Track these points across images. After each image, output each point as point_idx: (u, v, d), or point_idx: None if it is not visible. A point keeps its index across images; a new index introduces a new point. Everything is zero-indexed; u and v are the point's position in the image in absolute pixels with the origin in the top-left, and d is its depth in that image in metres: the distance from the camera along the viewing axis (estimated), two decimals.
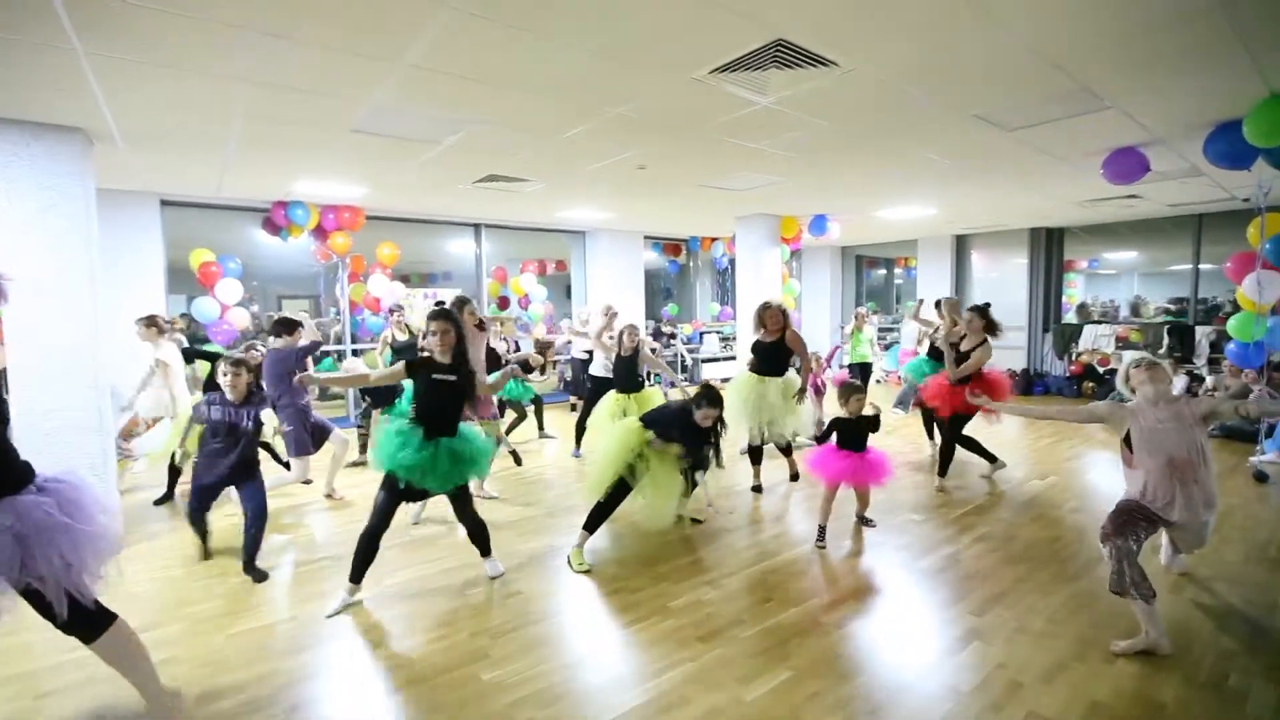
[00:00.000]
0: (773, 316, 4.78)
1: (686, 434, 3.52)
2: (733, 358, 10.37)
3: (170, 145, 4.41)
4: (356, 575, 3.03)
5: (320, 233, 7.03)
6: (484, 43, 2.85)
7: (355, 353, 7.67)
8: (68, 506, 1.87)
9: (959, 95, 3.65)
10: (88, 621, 1.95)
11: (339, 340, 7.67)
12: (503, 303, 8.96)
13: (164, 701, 2.14)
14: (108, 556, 1.96)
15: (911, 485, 4.98)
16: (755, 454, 4.95)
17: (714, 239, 10.51)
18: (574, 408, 7.68)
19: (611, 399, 5.22)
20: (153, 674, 2.12)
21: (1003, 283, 10.19)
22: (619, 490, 3.49)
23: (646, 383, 5.47)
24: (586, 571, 3.42)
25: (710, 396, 3.50)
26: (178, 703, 2.20)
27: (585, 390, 6.05)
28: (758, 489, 4.87)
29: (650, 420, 3.62)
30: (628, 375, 5.24)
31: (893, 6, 2.58)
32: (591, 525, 3.51)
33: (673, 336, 10.83)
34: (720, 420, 3.61)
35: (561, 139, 4.40)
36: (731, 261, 10.14)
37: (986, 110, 3.92)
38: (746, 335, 7.15)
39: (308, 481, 4.76)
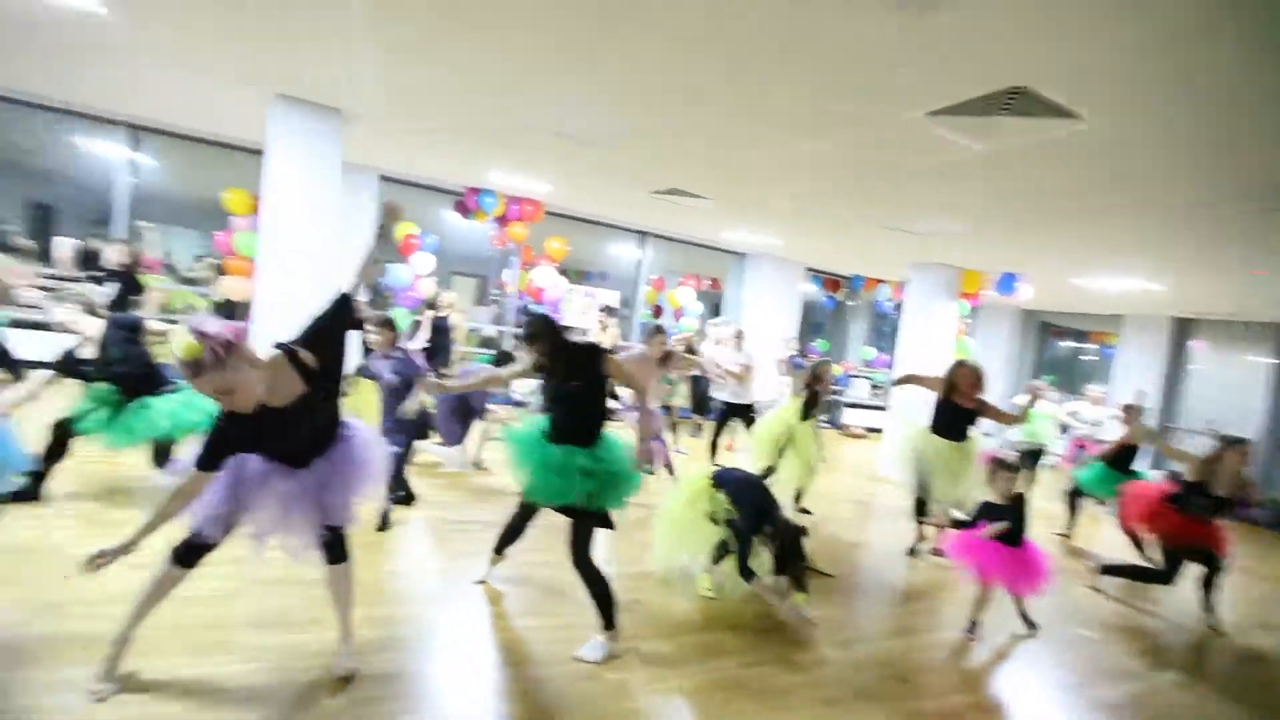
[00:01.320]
0: (968, 379, 4.26)
1: (762, 514, 3.08)
2: (881, 408, 9.74)
3: (397, 127, 4.96)
4: (500, 546, 3.12)
5: (502, 220, 7.60)
6: (705, 70, 2.90)
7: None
8: (366, 447, 2.25)
9: (1228, 167, 3.12)
10: (343, 545, 2.27)
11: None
12: (656, 311, 9.14)
13: (354, 638, 2.38)
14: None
15: (1085, 590, 4.32)
16: (920, 508, 4.51)
17: (880, 281, 9.97)
18: (699, 428, 7.61)
19: (779, 423, 4.91)
20: (353, 611, 2.37)
21: (1230, 383, 8.61)
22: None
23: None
24: (712, 598, 3.33)
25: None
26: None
27: (713, 413, 5.96)
28: (914, 552, 4.49)
29: (724, 481, 3.31)
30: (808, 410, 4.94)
31: (1182, 66, 2.26)
32: (717, 559, 3.38)
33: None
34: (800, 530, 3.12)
35: (752, 163, 4.38)
36: (897, 307, 9.55)
37: (1255, 187, 3.32)
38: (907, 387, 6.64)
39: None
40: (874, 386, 10.83)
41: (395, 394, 3.78)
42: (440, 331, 6.19)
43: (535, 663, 2.58)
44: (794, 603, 3.06)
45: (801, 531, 3.10)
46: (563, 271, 9.35)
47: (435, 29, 2.99)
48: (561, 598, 3.07)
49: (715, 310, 10.58)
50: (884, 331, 11.89)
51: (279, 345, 2.02)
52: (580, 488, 2.59)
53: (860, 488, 6.64)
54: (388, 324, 4.01)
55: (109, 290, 4.81)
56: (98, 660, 2.11)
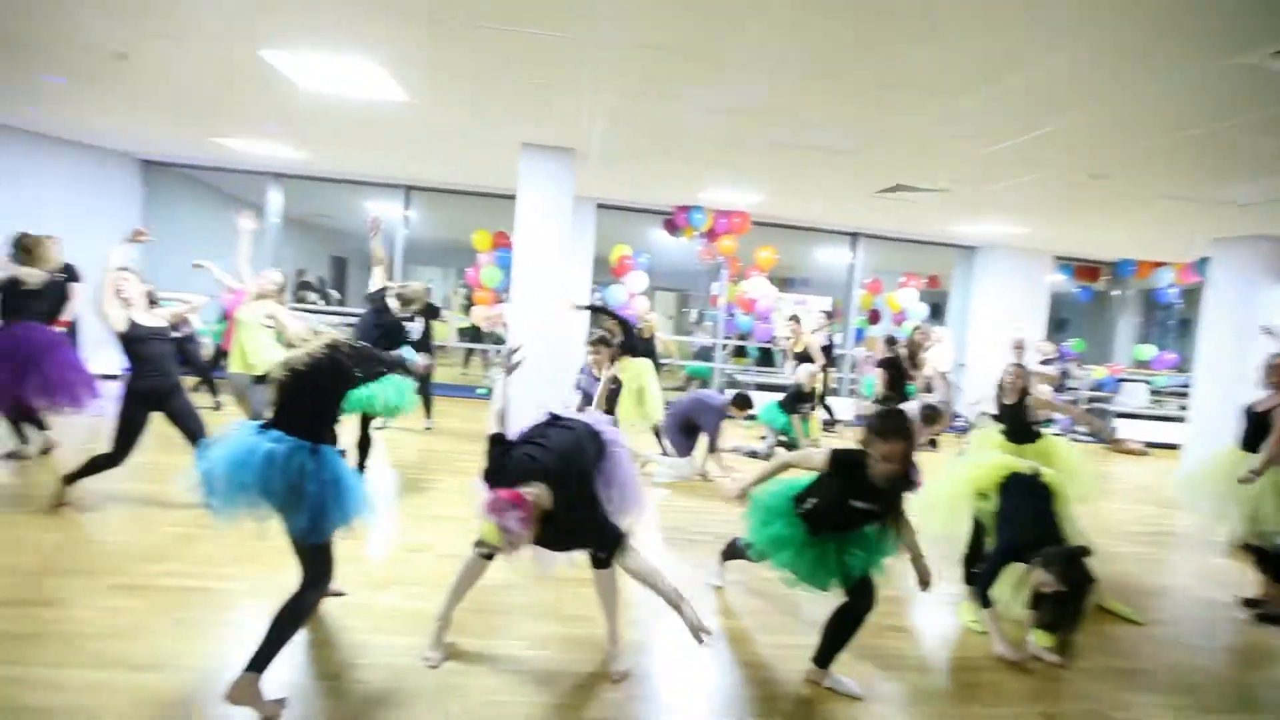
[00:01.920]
0: None
1: (1032, 539, 2.62)
2: (1173, 418, 8.01)
3: (620, 158, 5.32)
4: (725, 557, 3.15)
5: (710, 235, 7.74)
6: (962, 61, 2.65)
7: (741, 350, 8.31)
8: (629, 463, 2.50)
9: None
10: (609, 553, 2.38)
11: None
12: (873, 317, 8.59)
13: (622, 639, 2.51)
14: None
15: None
16: (1261, 558, 3.56)
17: (1159, 264, 8.24)
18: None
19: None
20: (618, 615, 2.52)
21: None
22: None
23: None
24: (981, 632, 2.98)
25: (891, 424, 2.26)
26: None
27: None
28: (1253, 604, 3.56)
29: (1012, 486, 2.89)
30: (1015, 423, 4.30)
31: None
32: (982, 593, 2.99)
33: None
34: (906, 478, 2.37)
35: (1000, 147, 3.90)
36: (1184, 294, 7.82)
37: None
38: (1215, 393, 5.40)
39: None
40: (1154, 393, 8.94)
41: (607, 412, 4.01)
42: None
43: (779, 681, 2.52)
44: (1033, 642, 2.68)
45: (1087, 581, 2.55)
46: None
47: (670, 70, 3.15)
48: (795, 615, 2.97)
49: (935, 311, 9.62)
50: (1166, 325, 9.79)
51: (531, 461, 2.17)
52: (838, 575, 2.44)
53: (1147, 517, 5.49)
54: (602, 341, 4.23)
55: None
56: (425, 633, 2.53)
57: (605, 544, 2.25)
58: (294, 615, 2.09)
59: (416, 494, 4.24)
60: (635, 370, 5.17)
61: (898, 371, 5.16)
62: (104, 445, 3.54)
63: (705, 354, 9.89)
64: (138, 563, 3.05)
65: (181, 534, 3.42)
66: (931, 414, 3.95)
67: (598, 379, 4.11)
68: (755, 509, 2.59)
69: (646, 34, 2.82)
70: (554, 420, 2.51)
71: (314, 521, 2.07)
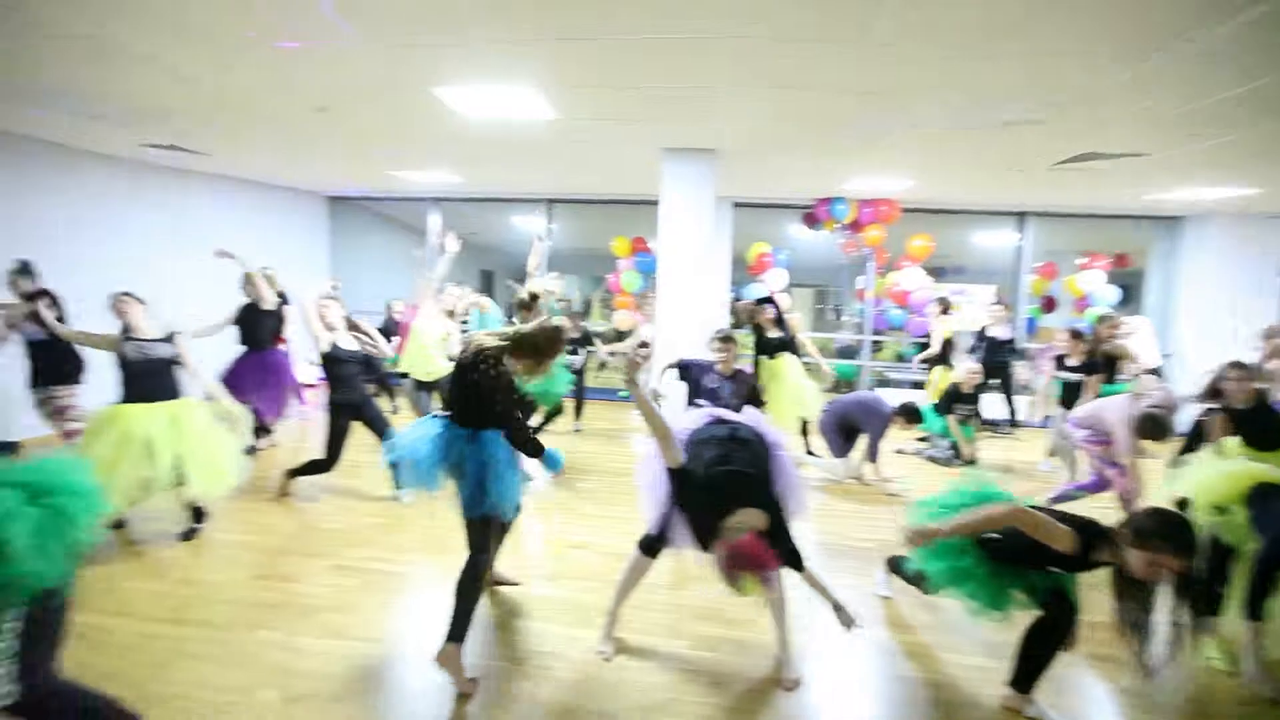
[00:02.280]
0: None
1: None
2: None
3: (761, 155, 5.21)
4: (891, 570, 2.96)
5: (854, 226, 7.36)
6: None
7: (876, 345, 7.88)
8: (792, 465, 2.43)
9: None
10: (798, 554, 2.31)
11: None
12: (1048, 304, 7.68)
13: (792, 646, 2.47)
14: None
15: None
16: None
17: None
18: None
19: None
20: (789, 619, 2.46)
21: None
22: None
23: None
24: (1228, 672, 2.55)
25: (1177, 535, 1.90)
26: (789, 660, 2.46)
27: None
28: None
29: (1259, 499, 2.45)
30: (1257, 428, 3.40)
31: None
32: (1253, 605, 2.42)
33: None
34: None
35: (1214, 100, 3.32)
36: None
37: None
38: None
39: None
40: None
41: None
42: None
43: (966, 703, 2.31)
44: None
45: None
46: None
47: (818, 58, 3.03)
48: (969, 634, 2.70)
49: (1127, 295, 8.38)
50: None
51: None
52: (1028, 595, 2.23)
53: None
54: (729, 340, 4.09)
55: None
56: (594, 625, 2.64)
57: (789, 553, 2.21)
58: (465, 585, 2.33)
59: (571, 493, 4.45)
60: (772, 370, 5.05)
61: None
62: (313, 445, 4.10)
63: (848, 352, 9.43)
64: (348, 547, 3.48)
65: (378, 523, 3.86)
66: (1153, 426, 3.40)
67: (728, 378, 4.04)
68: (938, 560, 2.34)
69: (789, 24, 2.74)
70: (719, 423, 2.50)
71: (472, 497, 2.37)
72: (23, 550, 1.46)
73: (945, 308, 6.45)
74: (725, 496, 2.12)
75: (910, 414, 4.77)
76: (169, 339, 3.44)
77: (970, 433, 5.37)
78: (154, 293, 5.74)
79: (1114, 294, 7.24)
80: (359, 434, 4.12)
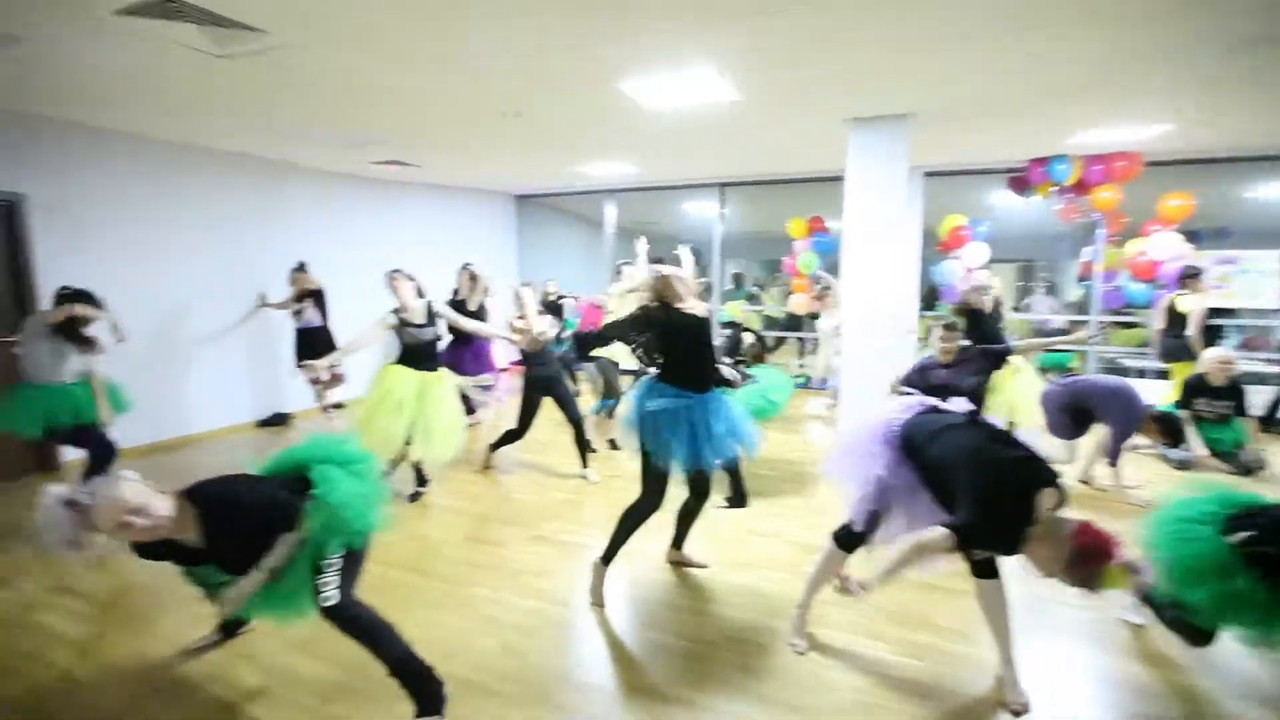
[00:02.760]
0: None
1: None
2: None
3: (967, 117, 4.64)
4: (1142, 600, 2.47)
5: (1078, 188, 6.29)
6: None
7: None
8: None
9: None
10: (991, 561, 2.09)
11: None
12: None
13: (1016, 666, 2.13)
14: None
15: None
16: None
17: None
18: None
19: None
20: (1009, 633, 2.13)
21: None
22: None
23: None
24: None
25: None
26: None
27: None
28: None
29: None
30: None
31: None
32: None
33: None
34: None
35: None
36: None
37: None
38: None
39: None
40: None
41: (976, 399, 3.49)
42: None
43: None
44: None
45: None
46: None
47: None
48: (1242, 677, 2.16)
49: None
50: None
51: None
52: None
53: None
54: (951, 327, 3.76)
55: None
56: (784, 615, 2.56)
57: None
58: (625, 519, 2.72)
59: (757, 481, 4.37)
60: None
61: None
62: (511, 423, 4.49)
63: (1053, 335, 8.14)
64: (543, 520, 3.77)
65: (566, 499, 4.12)
66: None
67: (951, 366, 3.67)
68: (1177, 559, 1.93)
69: None
70: (935, 411, 2.28)
71: (673, 451, 2.57)
72: (351, 511, 1.98)
73: (1190, 278, 5.32)
74: (1022, 482, 1.84)
75: (1169, 428, 3.94)
76: (432, 321, 3.93)
77: (1231, 435, 4.35)
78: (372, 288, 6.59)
79: None
80: (548, 412, 4.43)
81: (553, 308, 6.98)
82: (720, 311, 8.55)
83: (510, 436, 4.50)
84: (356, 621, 1.99)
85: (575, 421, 4.40)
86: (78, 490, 1.72)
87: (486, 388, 5.62)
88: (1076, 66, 3.55)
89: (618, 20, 2.95)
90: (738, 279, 11.75)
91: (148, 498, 1.77)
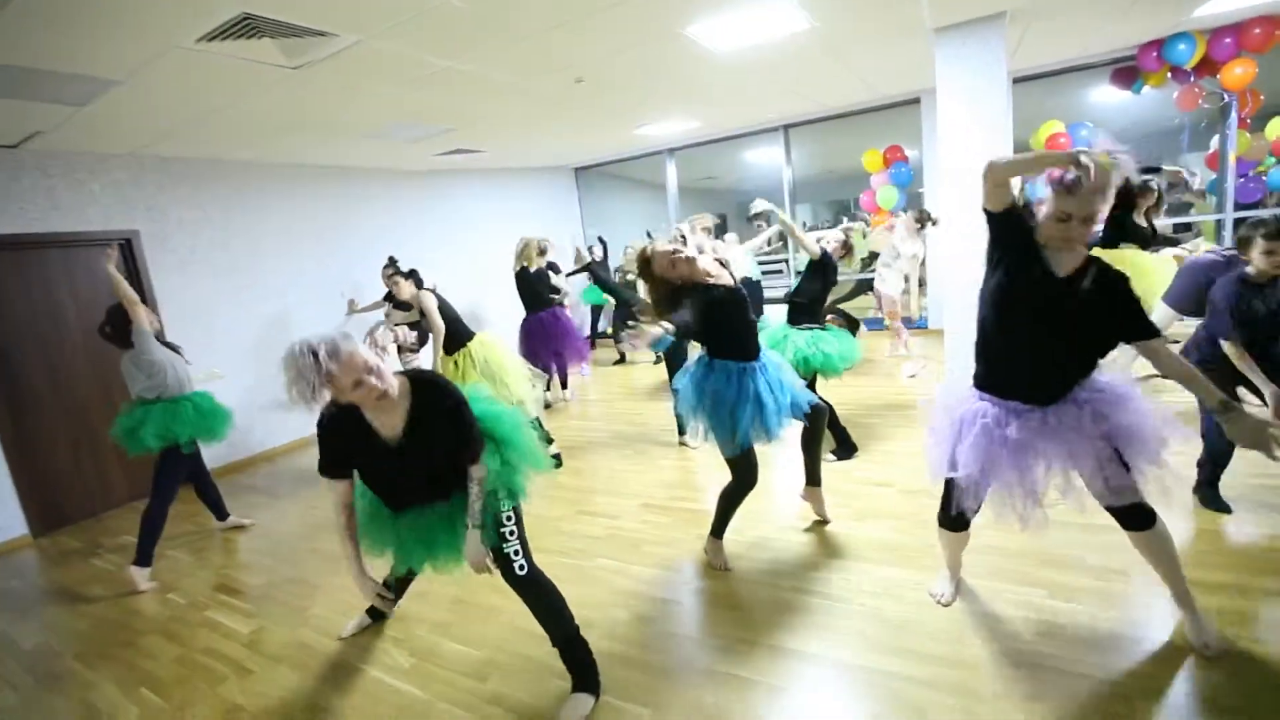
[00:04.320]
0: None
1: None
2: None
3: (1063, 9, 4.13)
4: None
5: (1203, 68, 5.53)
6: None
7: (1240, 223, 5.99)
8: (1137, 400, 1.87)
9: None
10: (1141, 510, 1.87)
11: None
12: None
13: (1197, 610, 1.95)
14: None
15: None
16: None
17: None
18: None
19: None
20: (1182, 576, 1.95)
21: None
22: None
23: None
24: None
25: None
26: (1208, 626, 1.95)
27: None
28: None
29: None
30: None
31: None
32: None
33: None
34: None
35: None
36: None
37: None
38: None
39: None
40: None
41: None
42: None
43: None
44: None
45: None
46: None
47: None
48: None
49: None
50: None
51: None
52: None
53: None
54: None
55: None
56: (913, 565, 2.44)
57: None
58: (724, 498, 2.71)
59: (865, 432, 4.18)
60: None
61: None
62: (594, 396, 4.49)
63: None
64: (650, 488, 3.76)
65: (672, 465, 4.10)
66: None
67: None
68: None
69: None
70: None
71: (733, 430, 2.48)
72: (525, 458, 2.04)
73: None
74: None
75: None
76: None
77: None
78: (454, 276, 6.74)
79: None
80: (639, 379, 4.40)
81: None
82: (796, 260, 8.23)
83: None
84: (543, 591, 2.04)
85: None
86: (323, 343, 1.71)
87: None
88: None
89: None
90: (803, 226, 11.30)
91: (380, 360, 1.83)
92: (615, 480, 3.99)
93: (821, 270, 3.71)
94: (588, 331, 8.75)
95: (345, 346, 1.72)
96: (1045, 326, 1.81)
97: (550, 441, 4.16)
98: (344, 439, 1.91)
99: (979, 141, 4.13)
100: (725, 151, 9.22)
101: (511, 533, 1.99)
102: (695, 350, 2.75)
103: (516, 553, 1.98)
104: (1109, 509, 1.89)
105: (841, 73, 5.34)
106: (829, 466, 3.70)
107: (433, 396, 1.90)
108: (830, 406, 3.81)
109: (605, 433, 4.82)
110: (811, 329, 3.71)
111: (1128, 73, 5.92)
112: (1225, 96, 5.63)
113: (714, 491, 3.56)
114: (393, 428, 1.89)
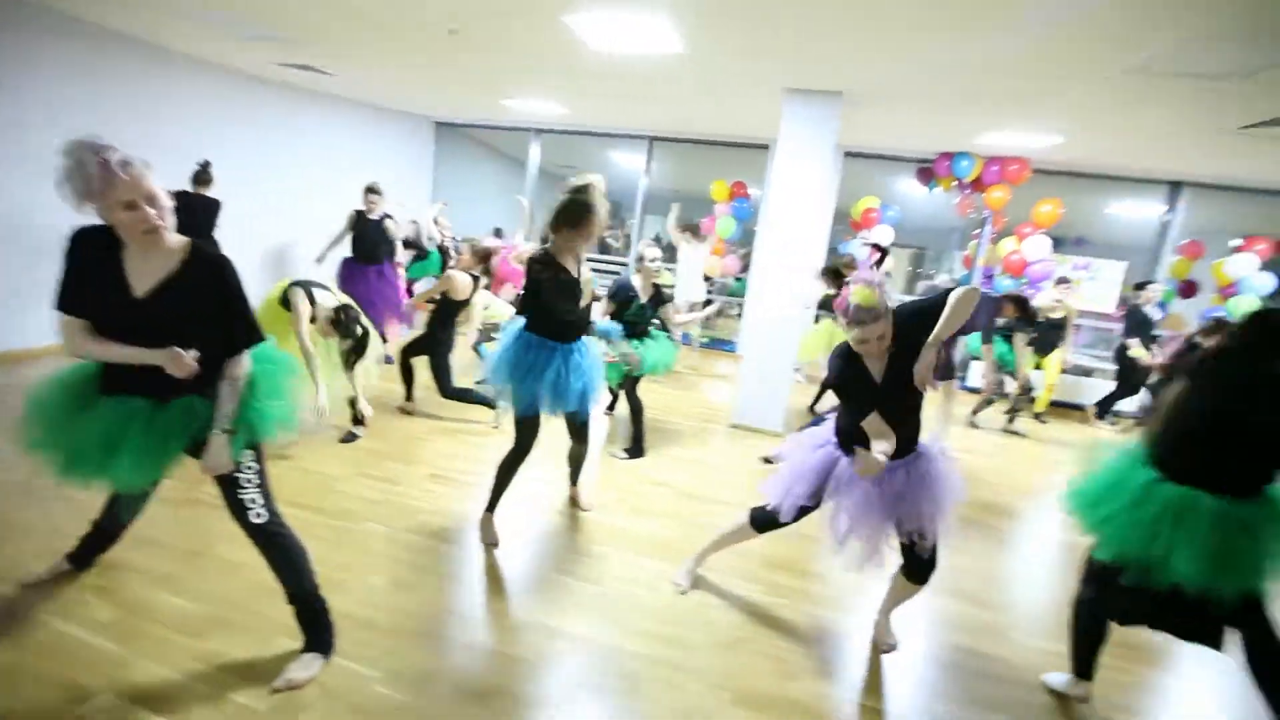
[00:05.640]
0: None
1: None
2: None
3: (893, 101, 4.82)
4: None
5: (975, 185, 6.79)
6: None
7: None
8: (946, 464, 2.12)
9: None
10: (929, 565, 2.16)
11: None
12: (1187, 289, 6.85)
13: (889, 617, 2.39)
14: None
15: None
16: None
17: None
18: None
19: None
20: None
21: None
22: None
23: None
24: None
25: None
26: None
27: None
28: None
29: None
30: None
31: None
32: None
33: None
34: None
35: None
36: None
37: None
38: None
39: None
40: None
41: None
42: None
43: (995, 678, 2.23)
44: None
45: None
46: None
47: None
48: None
49: None
50: None
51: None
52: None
53: None
54: None
55: None
56: (679, 562, 2.72)
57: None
58: (501, 468, 2.77)
59: (662, 436, 4.50)
60: None
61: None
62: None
63: None
64: (440, 459, 3.72)
65: (475, 440, 4.08)
66: None
67: None
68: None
69: None
70: None
71: (536, 398, 2.62)
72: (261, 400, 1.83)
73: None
74: None
75: None
76: None
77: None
78: (271, 204, 6.09)
79: (1270, 282, 6.35)
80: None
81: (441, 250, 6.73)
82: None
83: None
84: (282, 543, 1.92)
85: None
86: (112, 150, 1.52)
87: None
88: (993, 71, 3.79)
89: None
90: (657, 239, 11.81)
91: (168, 198, 1.64)
92: (409, 447, 3.88)
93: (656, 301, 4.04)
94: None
95: (140, 166, 1.58)
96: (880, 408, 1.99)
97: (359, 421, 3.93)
98: (88, 268, 1.65)
99: (805, 192, 4.66)
100: (591, 145, 9.34)
101: (249, 480, 1.84)
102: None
103: (254, 500, 1.85)
104: (906, 558, 2.19)
105: (706, 102, 5.71)
106: (617, 461, 3.95)
107: (211, 271, 1.70)
108: (641, 406, 4.10)
109: (416, 398, 4.63)
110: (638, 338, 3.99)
111: (926, 172, 7.06)
112: (985, 212, 6.96)
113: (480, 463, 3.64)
114: (148, 279, 1.66)
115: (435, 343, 4.28)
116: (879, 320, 1.94)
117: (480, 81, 5.89)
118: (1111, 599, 1.95)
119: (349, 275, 5.37)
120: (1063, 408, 6.78)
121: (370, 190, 5.46)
